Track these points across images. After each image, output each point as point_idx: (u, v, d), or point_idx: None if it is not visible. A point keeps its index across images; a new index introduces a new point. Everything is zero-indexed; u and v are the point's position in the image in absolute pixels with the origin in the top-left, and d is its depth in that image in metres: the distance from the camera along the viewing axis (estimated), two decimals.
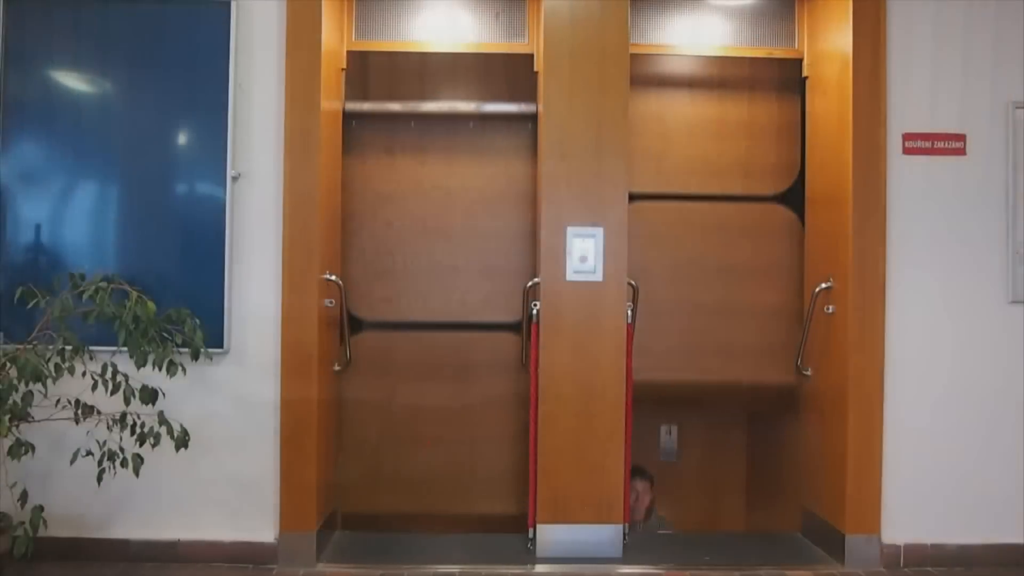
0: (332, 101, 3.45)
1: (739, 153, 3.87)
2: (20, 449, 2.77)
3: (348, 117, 3.71)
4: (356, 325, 3.81)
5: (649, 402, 3.58)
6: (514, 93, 3.80)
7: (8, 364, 2.74)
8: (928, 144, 3.29)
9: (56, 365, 2.76)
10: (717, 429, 4.39)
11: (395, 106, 3.77)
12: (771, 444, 4.13)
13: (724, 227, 3.87)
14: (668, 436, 4.38)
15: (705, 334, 3.84)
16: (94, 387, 2.83)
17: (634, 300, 3.40)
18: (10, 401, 2.72)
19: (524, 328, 3.55)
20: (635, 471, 3.85)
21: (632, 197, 3.42)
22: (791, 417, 3.80)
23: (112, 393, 2.83)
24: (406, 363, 3.65)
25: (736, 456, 4.36)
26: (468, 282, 3.89)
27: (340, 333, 3.59)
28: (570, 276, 3.26)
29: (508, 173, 3.86)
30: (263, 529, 3.19)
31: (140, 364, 2.79)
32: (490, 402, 3.80)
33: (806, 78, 3.73)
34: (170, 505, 3.18)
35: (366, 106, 3.76)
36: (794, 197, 3.82)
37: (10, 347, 2.88)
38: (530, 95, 3.74)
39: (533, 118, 3.70)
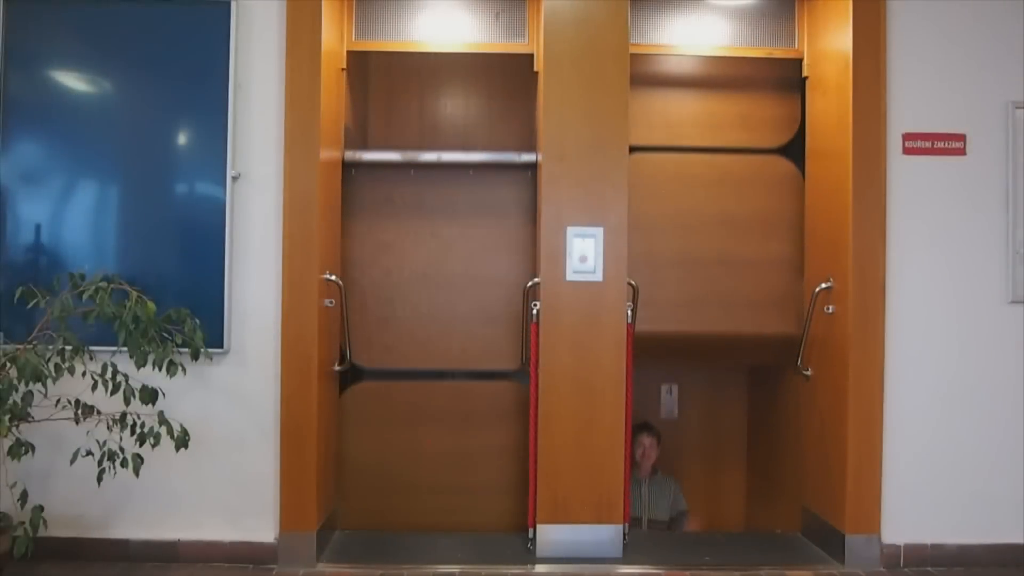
0: (332, 100, 3.45)
1: (740, 108, 3.87)
2: (20, 449, 2.78)
3: (347, 166, 3.72)
4: (356, 374, 3.83)
5: (650, 356, 3.54)
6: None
7: (8, 364, 2.74)
8: (928, 144, 3.29)
9: (56, 365, 2.76)
10: (717, 388, 4.46)
11: (394, 156, 3.77)
12: (771, 401, 4.14)
13: (724, 179, 3.86)
14: (669, 396, 4.43)
15: (706, 285, 3.83)
16: (94, 387, 2.83)
17: (634, 300, 3.40)
18: (10, 401, 2.72)
19: (524, 328, 3.55)
20: (642, 426, 3.88)
21: (632, 149, 3.40)
22: (791, 373, 3.79)
23: (112, 393, 2.83)
24: (406, 412, 3.59)
25: (736, 414, 4.42)
26: (468, 330, 3.91)
27: (340, 333, 3.59)
28: (570, 276, 3.26)
29: (508, 222, 3.87)
30: (263, 529, 3.19)
31: (140, 364, 2.80)
32: (490, 451, 3.78)
33: (806, 78, 3.73)
34: (170, 505, 3.18)
35: (366, 156, 3.75)
36: (794, 149, 3.81)
37: (10, 347, 2.88)
38: (530, 99, 3.74)
39: (533, 167, 3.68)
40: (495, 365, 3.87)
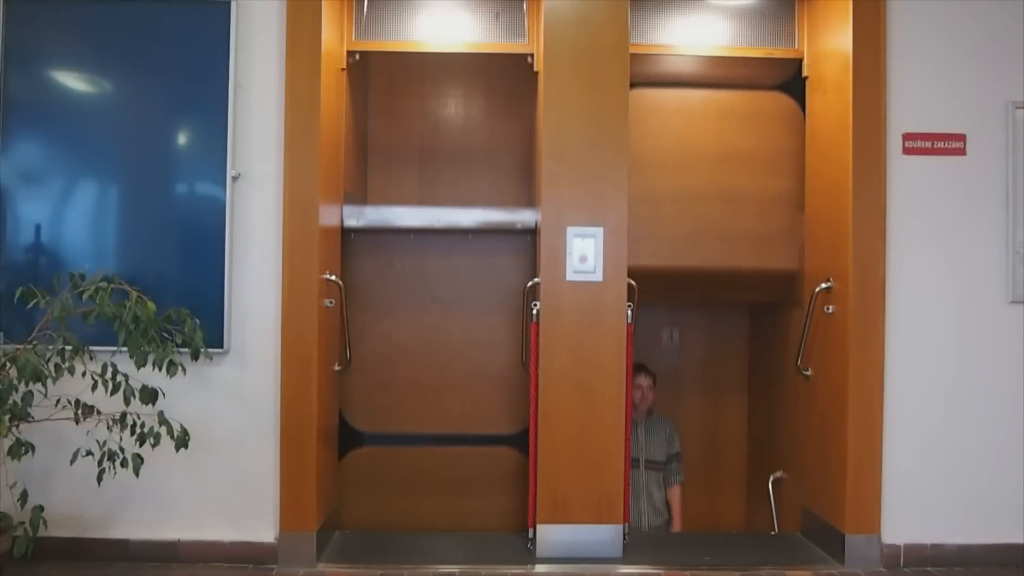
0: (332, 100, 3.45)
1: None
2: (20, 449, 2.78)
3: (346, 231, 3.74)
4: (356, 438, 3.86)
5: (651, 292, 3.53)
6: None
7: (8, 364, 2.75)
8: (928, 144, 3.29)
9: (56, 365, 2.76)
10: (718, 333, 4.48)
11: (393, 217, 3.77)
12: (771, 343, 4.15)
13: (725, 115, 3.87)
14: (670, 340, 4.44)
15: (707, 221, 3.83)
16: (94, 387, 2.83)
17: (634, 300, 3.40)
18: (10, 401, 2.72)
19: (524, 328, 3.55)
20: (639, 368, 3.88)
21: (633, 84, 3.38)
22: (789, 311, 3.80)
23: (112, 393, 2.83)
24: (406, 478, 3.57)
25: (738, 358, 4.44)
26: (467, 394, 3.94)
27: (340, 333, 3.59)
28: (570, 276, 3.26)
29: (507, 284, 3.89)
30: (263, 529, 3.19)
31: (140, 364, 2.80)
32: (489, 516, 3.79)
33: (806, 78, 3.73)
34: (170, 505, 3.18)
35: (364, 222, 3.77)
36: (795, 86, 3.81)
37: (10, 347, 2.88)
38: (530, 102, 3.74)
39: (532, 232, 3.67)
40: (494, 429, 3.93)
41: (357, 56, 3.70)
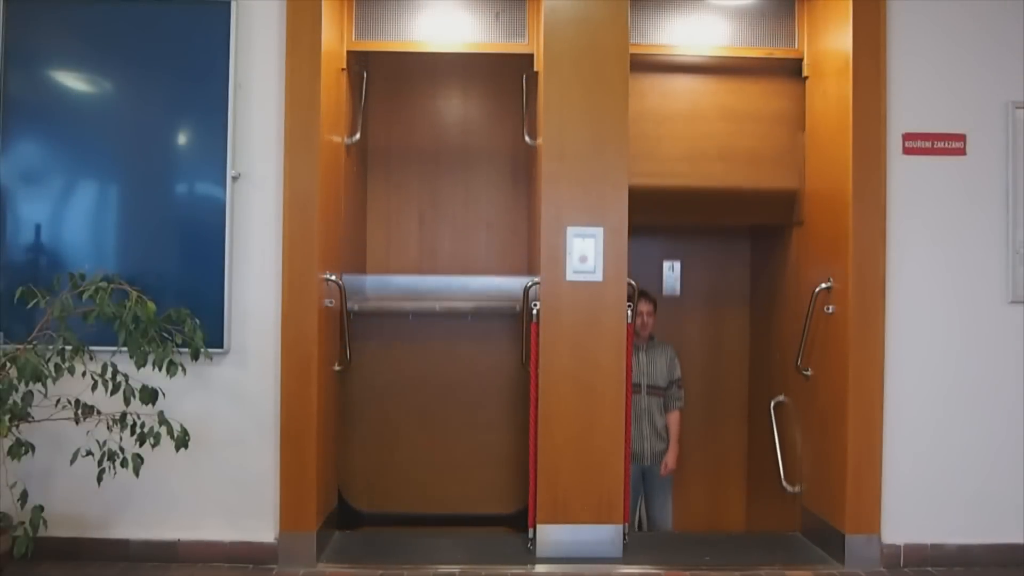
0: (332, 100, 3.45)
1: None
2: (20, 449, 2.78)
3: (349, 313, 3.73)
4: (355, 518, 3.85)
5: (650, 215, 3.53)
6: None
7: (8, 364, 2.75)
8: (928, 144, 3.29)
9: (56, 365, 2.76)
10: (719, 262, 4.49)
11: (393, 304, 3.80)
12: (773, 263, 4.16)
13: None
14: (671, 272, 4.45)
15: (707, 139, 3.81)
16: (94, 387, 2.83)
17: (634, 300, 3.40)
18: (10, 401, 2.73)
19: (524, 328, 3.55)
20: (640, 294, 3.84)
21: None
22: (790, 233, 3.81)
23: (112, 393, 2.83)
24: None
25: (740, 285, 4.46)
26: (468, 474, 3.95)
27: (340, 333, 3.59)
28: (570, 276, 3.26)
29: (505, 366, 3.89)
30: (263, 529, 3.19)
31: (140, 364, 2.80)
32: None
33: (806, 78, 3.72)
34: (170, 505, 3.18)
35: (368, 304, 3.80)
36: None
37: (10, 347, 2.88)
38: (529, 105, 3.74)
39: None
40: (493, 509, 3.94)
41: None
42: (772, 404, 3.95)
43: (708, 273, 4.52)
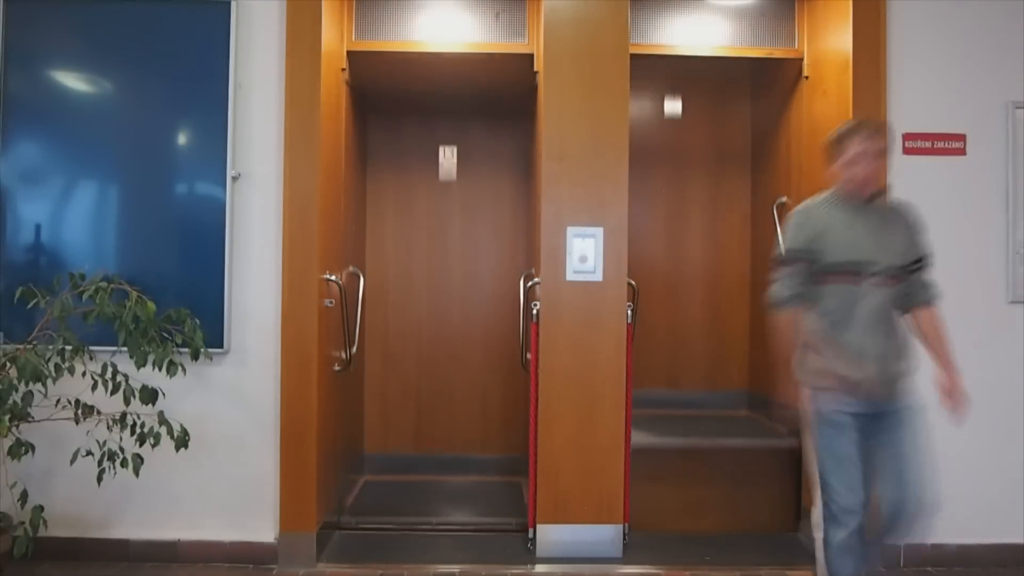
0: (333, 100, 3.45)
1: None
2: (20, 449, 2.78)
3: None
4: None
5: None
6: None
7: (8, 364, 2.75)
8: (928, 144, 3.29)
9: (56, 365, 2.76)
10: (721, 102, 4.48)
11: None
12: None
13: None
14: (672, 103, 4.44)
15: None
16: (94, 387, 2.83)
17: (634, 300, 3.40)
18: (10, 401, 2.73)
19: (524, 328, 3.55)
20: (868, 125, 3.67)
21: None
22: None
23: (112, 393, 2.83)
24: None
25: (740, 128, 4.46)
26: None
27: (341, 333, 3.59)
28: (570, 276, 3.27)
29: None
30: (263, 529, 3.19)
31: (140, 364, 2.80)
32: None
33: (806, 78, 3.72)
34: (170, 505, 3.19)
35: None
36: None
37: (10, 347, 2.88)
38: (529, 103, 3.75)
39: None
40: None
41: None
42: (774, 206, 3.91)
43: (710, 107, 4.51)
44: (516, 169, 4.53)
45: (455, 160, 4.48)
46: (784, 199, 3.90)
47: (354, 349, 3.75)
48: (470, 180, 4.64)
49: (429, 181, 4.64)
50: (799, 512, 3.69)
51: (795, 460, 3.72)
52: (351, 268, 3.77)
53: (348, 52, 3.69)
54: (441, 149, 4.49)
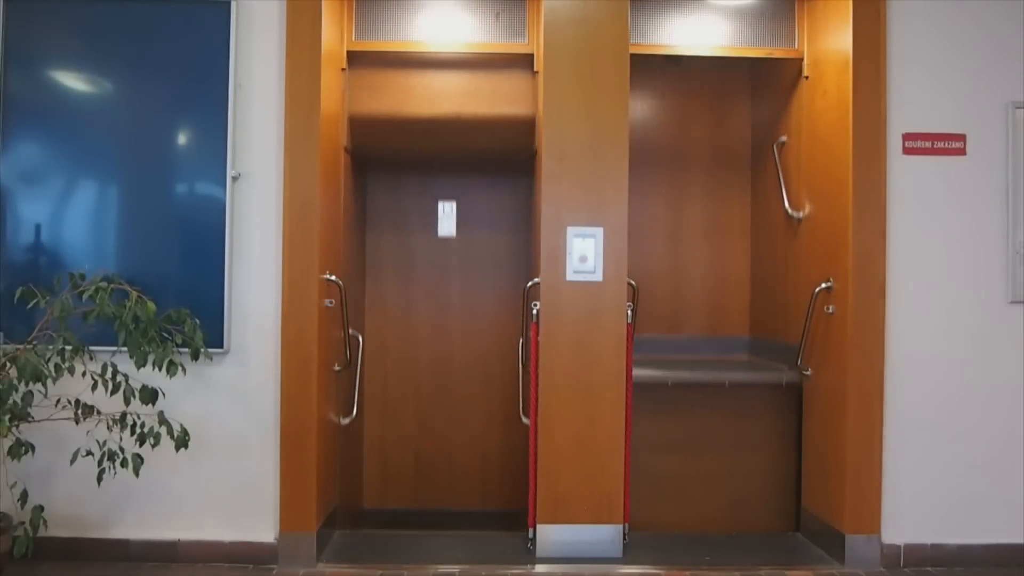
0: (333, 100, 3.45)
1: None
2: (20, 449, 2.78)
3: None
4: None
5: None
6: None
7: (8, 364, 2.75)
8: (928, 144, 3.29)
9: (56, 365, 2.76)
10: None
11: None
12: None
13: None
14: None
15: None
16: (94, 387, 2.83)
17: (634, 300, 3.40)
18: (10, 401, 2.73)
19: (524, 328, 3.55)
20: None
21: None
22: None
23: (112, 393, 2.83)
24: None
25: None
26: None
27: (341, 333, 3.59)
28: (570, 276, 3.27)
29: None
30: (263, 529, 3.19)
31: (140, 364, 2.80)
32: None
33: (806, 78, 3.73)
34: (170, 505, 3.19)
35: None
36: None
37: (10, 347, 2.88)
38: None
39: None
40: None
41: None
42: (775, 145, 3.91)
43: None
44: (515, 225, 4.37)
45: (454, 216, 4.40)
46: (784, 139, 3.94)
47: (354, 413, 3.73)
48: (469, 236, 4.44)
49: (428, 237, 4.43)
50: (799, 444, 3.69)
51: (796, 394, 3.76)
52: (351, 331, 3.74)
53: (349, 117, 3.69)
54: (440, 205, 4.40)
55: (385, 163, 4.31)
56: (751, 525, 3.82)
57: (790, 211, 3.83)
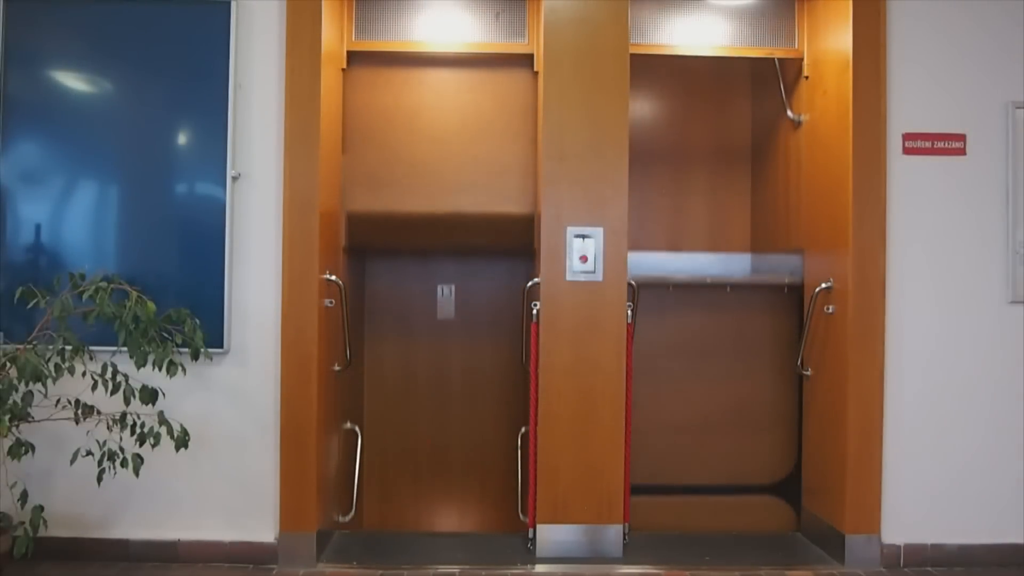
0: (333, 100, 3.45)
1: None
2: (20, 449, 2.78)
3: None
4: None
5: None
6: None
7: (8, 364, 2.75)
8: (928, 144, 3.29)
9: (56, 365, 2.76)
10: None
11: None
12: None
13: None
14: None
15: None
16: (94, 387, 2.83)
17: (634, 300, 3.40)
18: (10, 401, 2.73)
19: (524, 328, 3.55)
20: None
21: None
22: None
23: (112, 393, 2.83)
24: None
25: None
26: None
27: (341, 333, 3.59)
28: (570, 276, 3.27)
29: None
30: (263, 529, 3.19)
31: (140, 364, 2.80)
32: None
33: (806, 78, 3.73)
34: (170, 505, 3.19)
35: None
36: None
37: (10, 347, 2.88)
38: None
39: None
40: None
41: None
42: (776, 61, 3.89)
43: None
44: (514, 307, 4.13)
45: (453, 299, 4.37)
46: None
47: (352, 512, 3.67)
48: (468, 319, 4.33)
49: (428, 319, 4.31)
50: (798, 348, 3.66)
51: (796, 297, 3.79)
52: (348, 424, 3.71)
53: (347, 214, 3.67)
54: (439, 288, 4.38)
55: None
56: (752, 428, 3.91)
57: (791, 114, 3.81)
